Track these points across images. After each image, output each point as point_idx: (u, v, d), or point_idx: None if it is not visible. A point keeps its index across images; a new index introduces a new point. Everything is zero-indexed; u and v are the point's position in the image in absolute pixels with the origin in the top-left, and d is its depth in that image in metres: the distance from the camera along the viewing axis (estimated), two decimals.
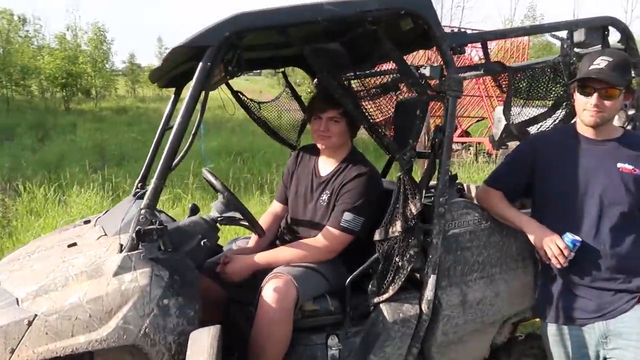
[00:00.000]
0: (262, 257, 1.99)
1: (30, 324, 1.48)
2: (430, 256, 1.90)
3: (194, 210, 2.11)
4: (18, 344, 1.47)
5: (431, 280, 1.90)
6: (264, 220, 2.30)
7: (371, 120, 1.86)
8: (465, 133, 12.88)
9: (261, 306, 1.77)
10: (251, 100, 2.92)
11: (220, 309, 2.18)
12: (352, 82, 2.01)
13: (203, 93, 2.65)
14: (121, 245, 1.62)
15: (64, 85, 21.22)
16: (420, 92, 1.85)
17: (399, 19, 1.96)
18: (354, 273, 1.94)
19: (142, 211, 1.60)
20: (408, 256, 1.87)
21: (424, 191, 1.93)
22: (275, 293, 1.76)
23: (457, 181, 3.29)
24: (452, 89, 1.88)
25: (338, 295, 1.98)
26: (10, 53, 20.44)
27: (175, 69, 2.34)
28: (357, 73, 2.04)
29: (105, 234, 1.87)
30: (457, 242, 1.98)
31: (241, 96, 2.85)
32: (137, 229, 1.57)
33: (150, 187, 1.63)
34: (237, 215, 1.94)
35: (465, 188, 3.20)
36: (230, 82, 2.35)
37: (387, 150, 1.89)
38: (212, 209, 1.96)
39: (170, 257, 1.66)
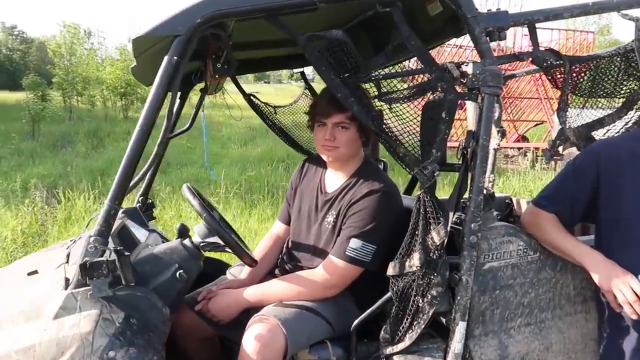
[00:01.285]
0: (251, 293, 1.66)
1: None
2: (459, 298, 1.49)
3: (182, 232, 1.81)
4: None
5: (460, 328, 1.50)
6: (263, 245, 1.97)
7: (383, 126, 1.49)
8: (522, 138, 12.03)
9: (241, 357, 1.44)
10: (265, 103, 2.63)
11: (210, 346, 1.87)
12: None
13: (193, 95, 2.37)
14: (67, 280, 1.34)
15: (122, 94, 22.05)
16: (447, 89, 1.46)
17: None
18: (361, 316, 1.57)
19: (91, 239, 1.31)
20: (429, 297, 1.47)
21: (451, 215, 1.54)
22: (256, 342, 1.42)
23: (507, 195, 2.83)
24: (488, 84, 1.47)
25: (343, 342, 1.61)
26: (73, 64, 21.46)
27: None
28: (373, 72, 1.67)
29: (67, 262, 1.60)
30: (496, 279, 1.56)
31: (254, 99, 2.57)
32: (83, 261, 1.28)
33: (102, 211, 1.34)
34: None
35: (515, 203, 2.74)
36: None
37: (403, 163, 1.50)
38: (195, 233, 1.65)
39: (129, 295, 1.36)
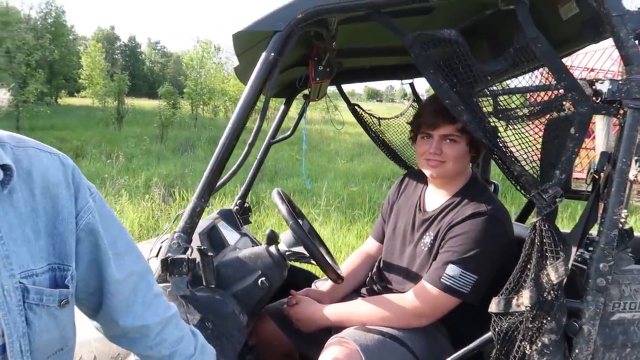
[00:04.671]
0: (333, 311, 1.54)
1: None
2: (577, 351, 1.23)
3: (271, 238, 1.75)
4: None
5: None
6: (350, 261, 1.84)
7: (497, 140, 1.30)
8: None
9: None
10: (370, 114, 2.52)
11: None
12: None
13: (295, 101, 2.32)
14: None
15: None
16: (579, 100, 1.24)
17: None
18: (455, 354, 1.37)
19: (175, 235, 1.29)
20: (540, 345, 1.23)
21: (574, 250, 1.29)
22: None
23: None
24: (633, 97, 1.22)
25: None
26: (202, 76, 23.37)
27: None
28: (490, 85, 1.47)
29: (157, 256, 1.61)
30: (627, 334, 1.27)
31: (358, 109, 2.48)
32: (165, 256, 1.26)
33: (187, 208, 1.32)
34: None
35: None
36: None
37: (519, 184, 1.29)
38: (281, 241, 1.58)
39: (208, 297, 1.32)
